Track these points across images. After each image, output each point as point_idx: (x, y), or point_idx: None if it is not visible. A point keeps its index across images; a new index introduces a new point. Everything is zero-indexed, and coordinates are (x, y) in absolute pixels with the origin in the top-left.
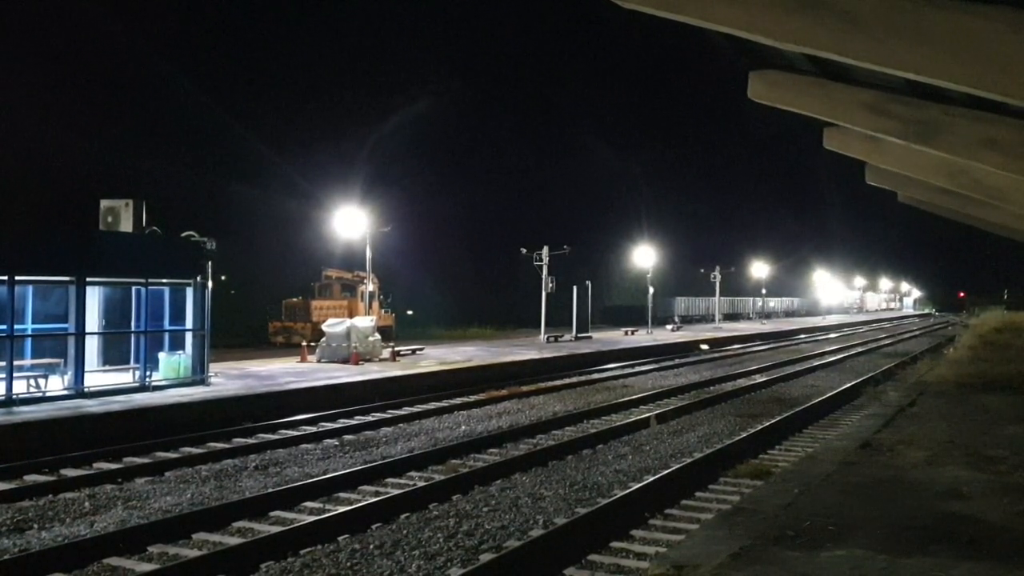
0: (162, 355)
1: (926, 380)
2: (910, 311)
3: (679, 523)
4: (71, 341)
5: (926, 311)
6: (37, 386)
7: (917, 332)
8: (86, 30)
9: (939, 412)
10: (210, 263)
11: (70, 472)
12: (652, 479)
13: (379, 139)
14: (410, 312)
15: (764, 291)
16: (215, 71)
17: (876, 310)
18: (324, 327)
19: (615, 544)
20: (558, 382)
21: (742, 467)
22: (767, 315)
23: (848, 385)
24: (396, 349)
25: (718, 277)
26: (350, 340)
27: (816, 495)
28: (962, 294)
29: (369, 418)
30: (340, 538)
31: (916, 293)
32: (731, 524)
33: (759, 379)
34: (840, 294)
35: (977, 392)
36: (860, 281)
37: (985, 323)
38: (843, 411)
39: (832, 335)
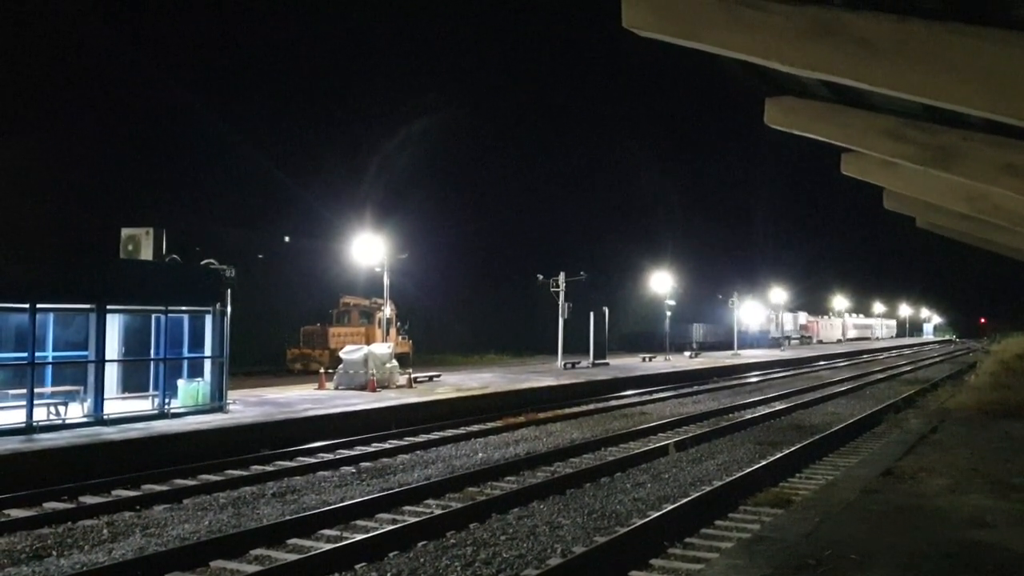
0: (181, 382)
1: (947, 407)
2: (930, 337)
3: (699, 552)
4: (91, 368)
5: (947, 338)
6: (57, 413)
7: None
8: (107, 58)
9: (961, 439)
10: (229, 291)
11: (89, 499)
12: (671, 507)
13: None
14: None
15: (785, 310)
16: (231, 99)
17: (840, 340)
18: (342, 354)
19: (634, 573)
20: (575, 409)
21: (762, 495)
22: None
23: (868, 412)
24: (413, 376)
25: (736, 303)
26: (367, 367)
27: (837, 523)
28: (983, 320)
29: (386, 445)
30: (357, 566)
31: (936, 319)
32: (752, 553)
33: (778, 406)
34: (760, 317)
35: (999, 419)
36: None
37: (1007, 349)
38: (864, 438)
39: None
